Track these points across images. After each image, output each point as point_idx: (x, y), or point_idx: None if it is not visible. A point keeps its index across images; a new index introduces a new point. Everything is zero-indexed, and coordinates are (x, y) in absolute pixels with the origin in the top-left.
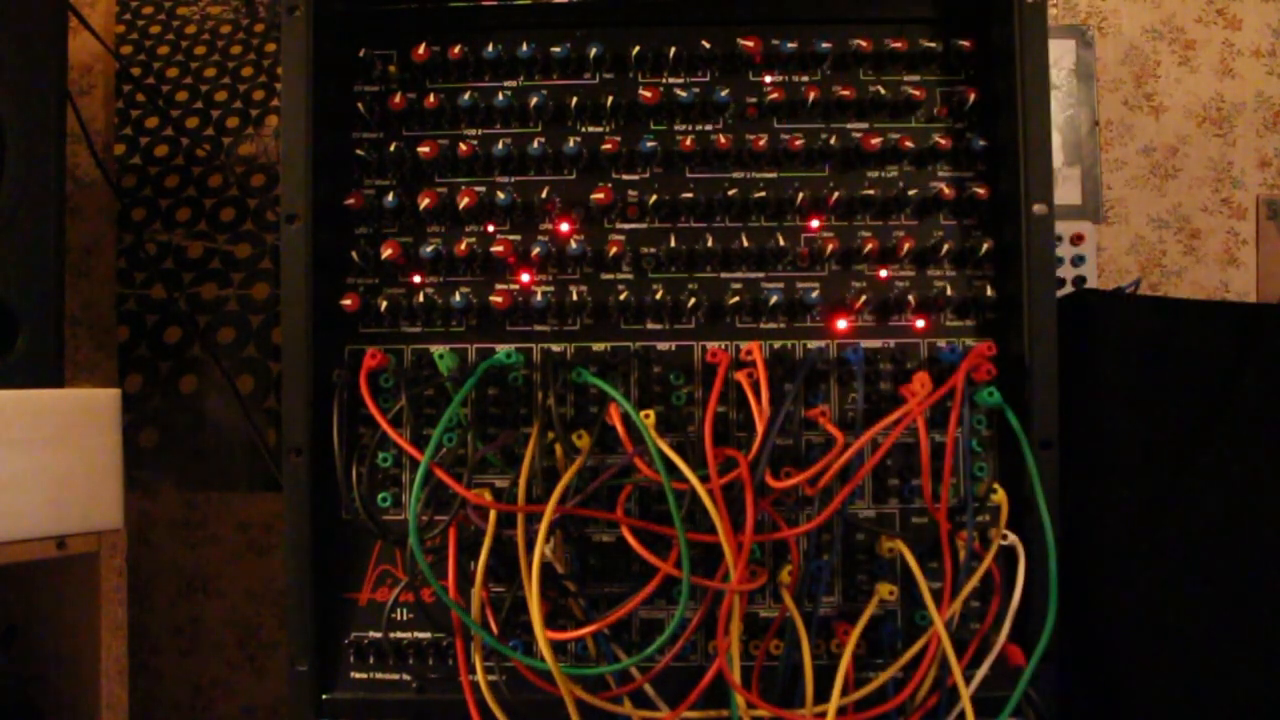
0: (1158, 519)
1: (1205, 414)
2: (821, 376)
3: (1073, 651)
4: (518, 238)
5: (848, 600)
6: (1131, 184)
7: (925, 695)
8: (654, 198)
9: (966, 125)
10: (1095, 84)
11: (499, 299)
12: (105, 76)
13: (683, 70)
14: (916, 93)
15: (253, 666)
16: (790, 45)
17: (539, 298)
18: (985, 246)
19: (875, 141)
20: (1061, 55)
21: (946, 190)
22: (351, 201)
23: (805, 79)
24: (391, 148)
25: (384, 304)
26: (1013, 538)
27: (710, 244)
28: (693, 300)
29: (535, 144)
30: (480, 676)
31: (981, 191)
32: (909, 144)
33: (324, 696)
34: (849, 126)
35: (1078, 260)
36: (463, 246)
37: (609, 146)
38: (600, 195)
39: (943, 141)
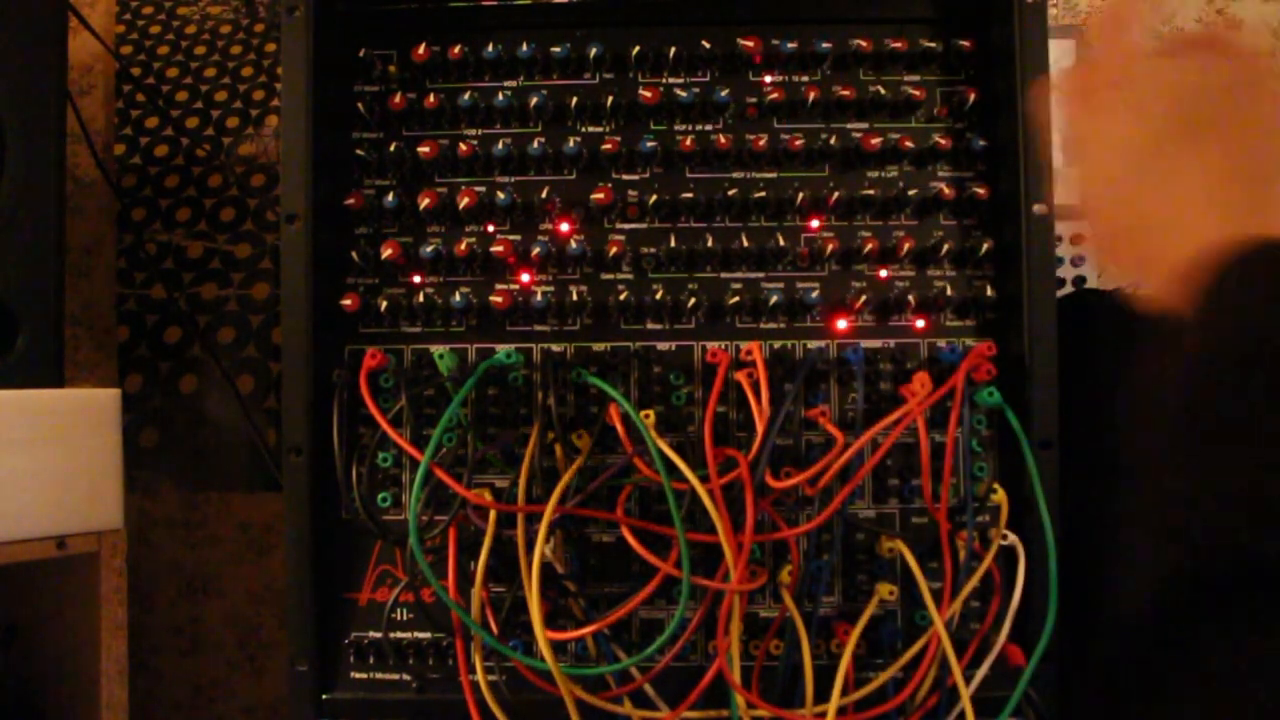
0: None
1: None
2: (821, 376)
3: (1073, 651)
4: (518, 238)
5: (848, 600)
6: None
7: (925, 695)
8: (654, 198)
9: (966, 125)
10: None
11: (499, 299)
12: (105, 76)
13: (683, 70)
14: (916, 93)
15: (253, 666)
16: (790, 45)
17: (539, 298)
18: (985, 246)
19: (875, 141)
20: (1061, 55)
21: (946, 190)
22: (351, 201)
23: (805, 79)
24: (391, 148)
25: (384, 304)
26: (1013, 538)
27: (710, 244)
28: (693, 300)
29: (535, 144)
30: (480, 676)
31: (981, 191)
32: (909, 144)
33: (324, 696)
34: (849, 126)
35: (1078, 260)
36: (463, 246)
37: (609, 146)
38: (600, 195)
39: (943, 141)
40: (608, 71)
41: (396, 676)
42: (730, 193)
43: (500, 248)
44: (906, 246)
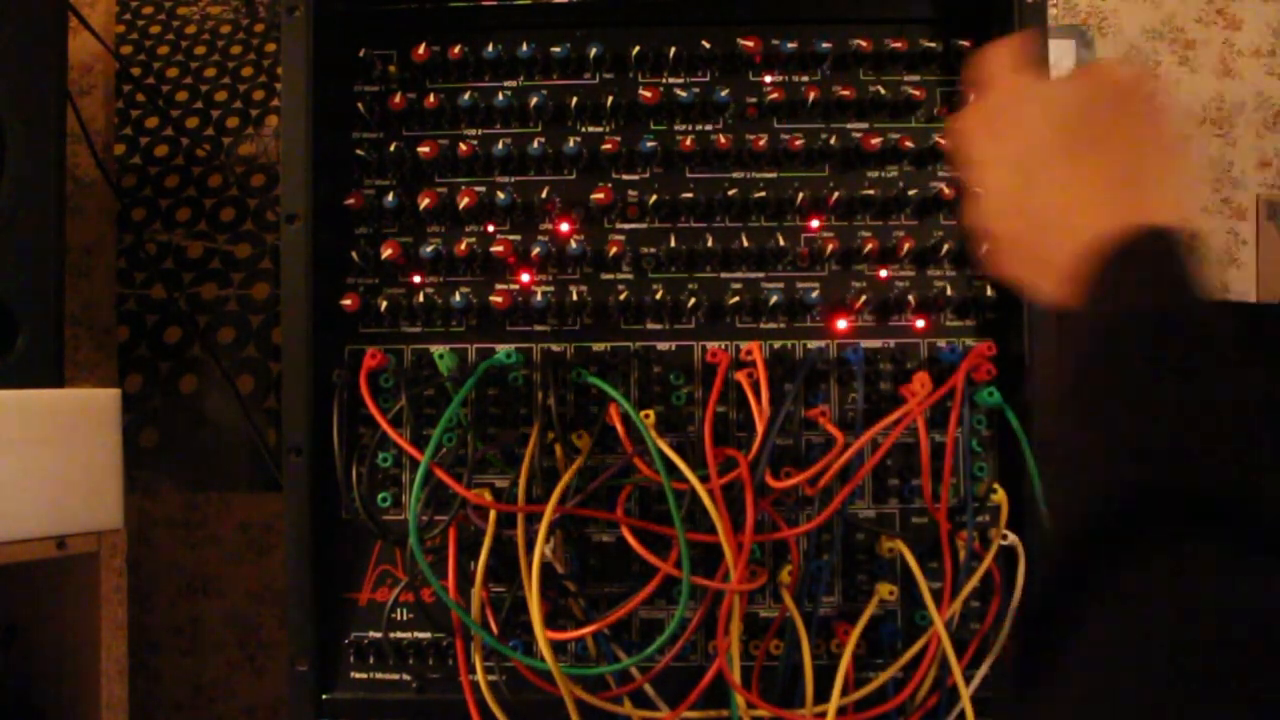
0: None
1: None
2: (821, 376)
3: None
4: (518, 238)
5: (848, 600)
6: None
7: (925, 695)
8: (654, 198)
9: None
10: None
11: (499, 299)
12: (105, 76)
13: (683, 70)
14: (916, 93)
15: (253, 666)
16: (790, 45)
17: (539, 298)
18: (986, 246)
19: (875, 141)
20: (1061, 55)
21: (946, 190)
22: (351, 201)
23: (805, 79)
24: (391, 148)
25: (384, 304)
26: (1013, 538)
27: (710, 244)
28: (693, 300)
29: (535, 144)
30: (480, 676)
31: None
32: (909, 144)
33: (324, 696)
34: (849, 126)
35: None
36: (463, 246)
37: (609, 146)
38: (600, 195)
39: (943, 141)
40: (608, 71)
41: (396, 676)
42: (730, 193)
43: (500, 248)
44: (906, 246)
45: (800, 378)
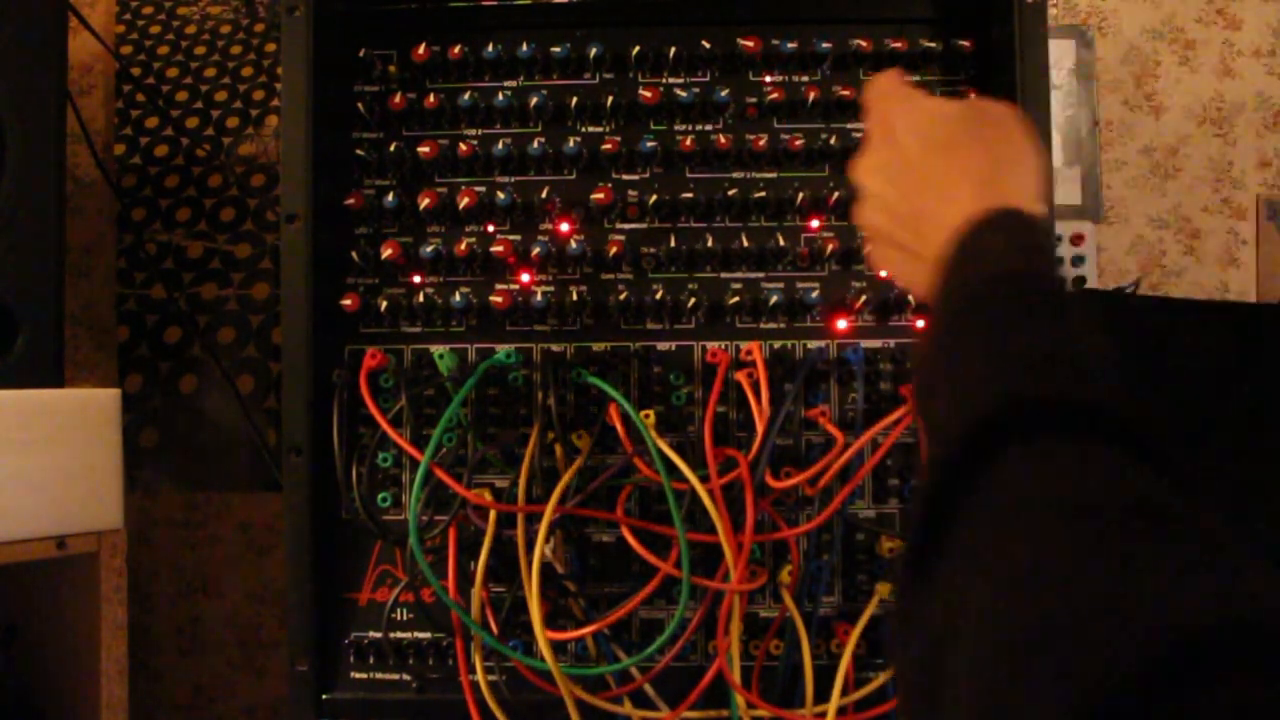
0: None
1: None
2: (821, 376)
3: None
4: (518, 238)
5: (848, 600)
6: (1131, 184)
7: None
8: (654, 198)
9: None
10: (1095, 84)
11: (499, 299)
12: (105, 76)
13: (683, 70)
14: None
15: (253, 666)
16: (790, 45)
17: (539, 298)
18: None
19: None
20: (1061, 55)
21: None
22: (351, 201)
23: (805, 79)
24: (391, 148)
25: (384, 304)
26: None
27: (710, 244)
28: (693, 300)
29: (535, 144)
30: (480, 676)
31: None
32: None
33: (324, 696)
34: (849, 126)
35: (1078, 260)
36: (463, 246)
37: (609, 146)
38: (600, 195)
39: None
40: (608, 71)
41: (396, 676)
42: (730, 193)
43: (500, 248)
44: None
45: (800, 378)
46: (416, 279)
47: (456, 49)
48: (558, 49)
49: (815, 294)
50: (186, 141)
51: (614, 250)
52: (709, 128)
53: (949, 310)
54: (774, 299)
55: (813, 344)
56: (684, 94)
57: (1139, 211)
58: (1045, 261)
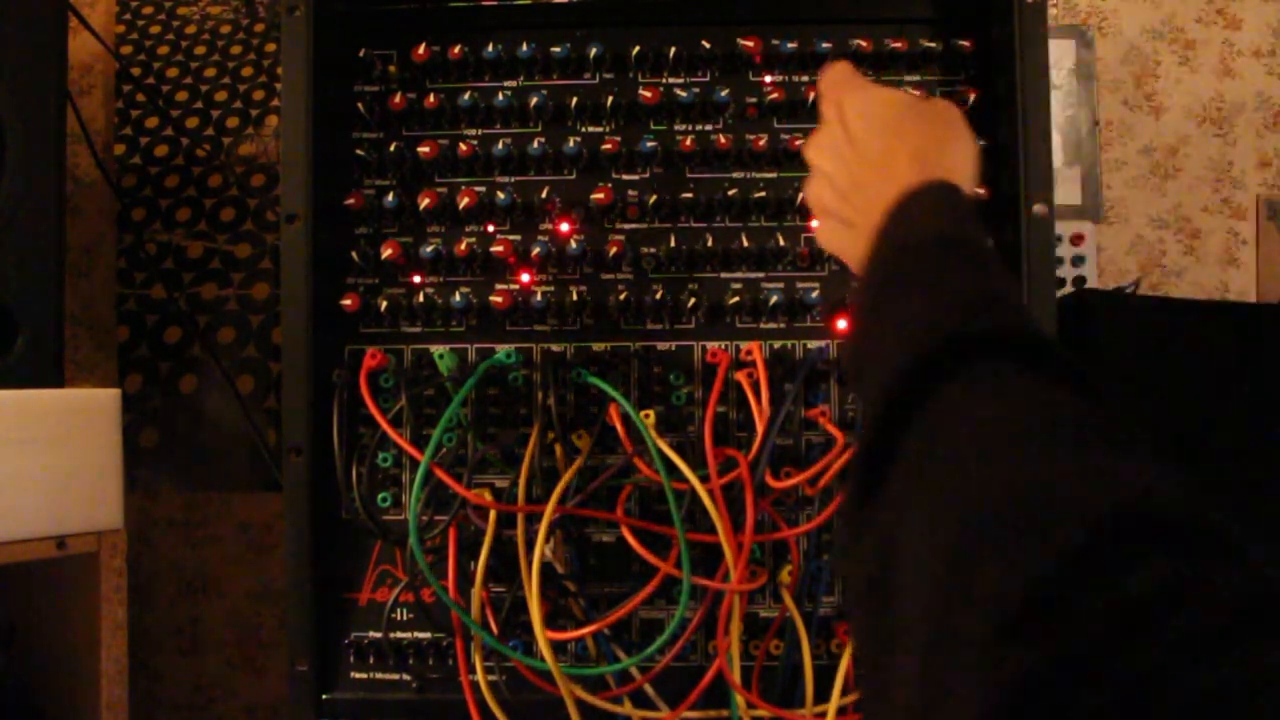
0: None
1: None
2: (821, 376)
3: None
4: (518, 238)
5: (848, 600)
6: (1131, 184)
7: None
8: (654, 198)
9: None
10: (1095, 84)
11: (499, 299)
12: (105, 76)
13: (683, 70)
14: (916, 93)
15: (253, 666)
16: (790, 45)
17: (539, 298)
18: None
19: None
20: (1061, 55)
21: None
22: (351, 201)
23: (805, 79)
24: (391, 148)
25: (384, 304)
26: None
27: (710, 244)
28: (693, 300)
29: (535, 144)
30: (480, 676)
31: (981, 191)
32: None
33: (324, 696)
34: None
35: (1078, 260)
36: (463, 246)
37: (609, 146)
38: (600, 195)
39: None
40: (608, 71)
41: (396, 676)
42: (730, 193)
43: (500, 248)
44: None
45: (800, 378)
46: (416, 279)
47: (456, 49)
48: (558, 49)
49: (815, 294)
50: (186, 141)
51: (614, 250)
52: (709, 128)
53: (886, 266)
54: (774, 299)
55: (813, 344)
56: (684, 94)
57: (1139, 211)
58: (973, 226)
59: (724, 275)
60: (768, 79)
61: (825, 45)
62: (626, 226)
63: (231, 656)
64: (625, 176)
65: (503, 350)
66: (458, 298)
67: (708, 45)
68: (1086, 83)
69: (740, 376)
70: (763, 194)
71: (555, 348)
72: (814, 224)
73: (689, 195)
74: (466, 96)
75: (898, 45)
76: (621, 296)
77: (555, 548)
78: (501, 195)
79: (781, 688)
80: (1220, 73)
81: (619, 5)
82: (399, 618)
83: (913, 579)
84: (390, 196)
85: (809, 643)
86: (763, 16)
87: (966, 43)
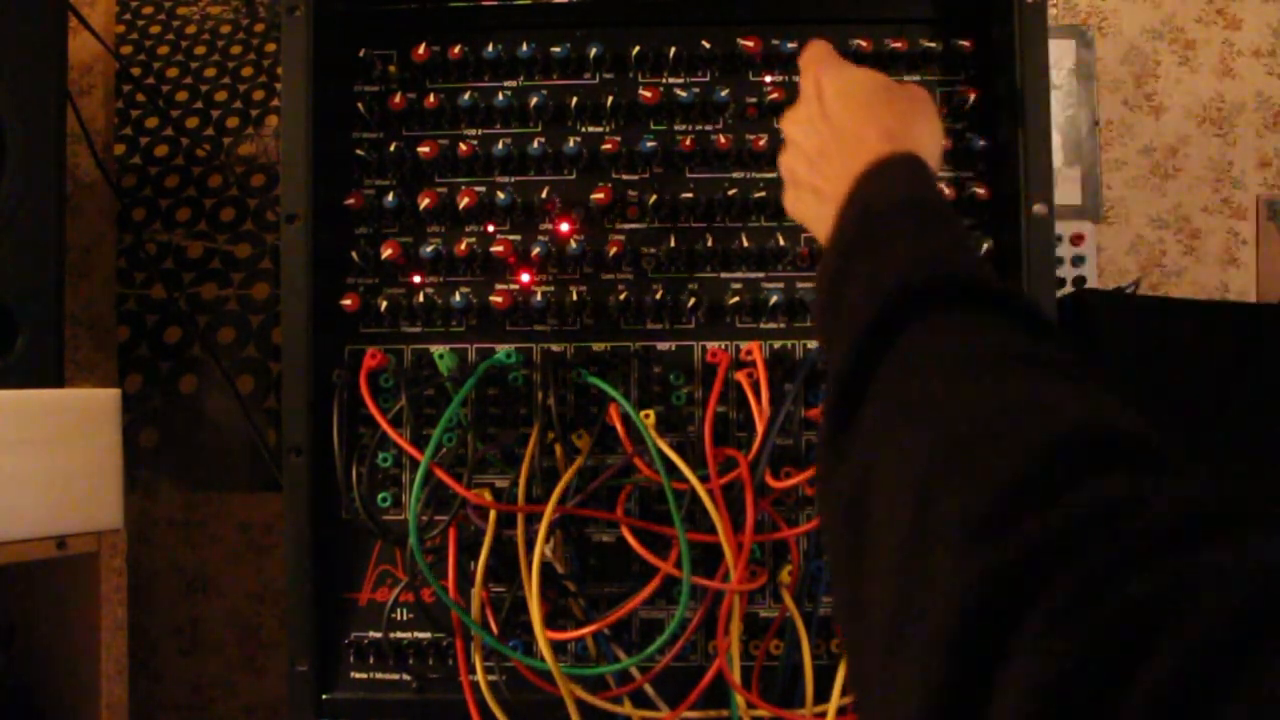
0: None
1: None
2: (822, 376)
3: None
4: (518, 238)
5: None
6: (1131, 184)
7: None
8: (654, 198)
9: (966, 125)
10: (1095, 84)
11: (499, 299)
12: (105, 76)
13: (683, 70)
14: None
15: (253, 666)
16: (790, 45)
17: (539, 298)
18: (985, 246)
19: None
20: (1061, 55)
21: (947, 191)
22: (351, 201)
23: None
24: (391, 148)
25: (384, 304)
26: None
27: (710, 244)
28: (693, 300)
29: (535, 144)
30: (480, 676)
31: (981, 191)
32: None
33: (324, 696)
34: None
35: (1078, 260)
36: (463, 246)
37: (609, 146)
38: (600, 195)
39: (943, 142)
40: (608, 71)
41: (396, 676)
42: (730, 193)
43: (500, 248)
44: None
45: (800, 378)
46: (416, 279)
47: (456, 49)
48: (558, 49)
49: None
50: (186, 141)
51: (614, 250)
52: (709, 128)
53: (856, 225)
54: (774, 299)
55: (813, 344)
56: (684, 94)
57: (1139, 211)
58: (937, 193)
59: (724, 275)
60: (768, 79)
61: None
62: (626, 226)
63: (231, 656)
64: (625, 176)
65: (503, 350)
66: (458, 298)
67: (708, 45)
68: (1086, 83)
69: (740, 376)
70: (763, 194)
71: (555, 348)
72: (785, 194)
73: (689, 195)
74: (466, 96)
75: (898, 45)
76: (621, 296)
77: (555, 548)
78: (501, 195)
79: (781, 688)
80: (1220, 73)
81: (619, 5)
82: (399, 618)
83: (887, 498)
84: (390, 196)
85: (809, 643)
86: (763, 16)
87: (966, 43)
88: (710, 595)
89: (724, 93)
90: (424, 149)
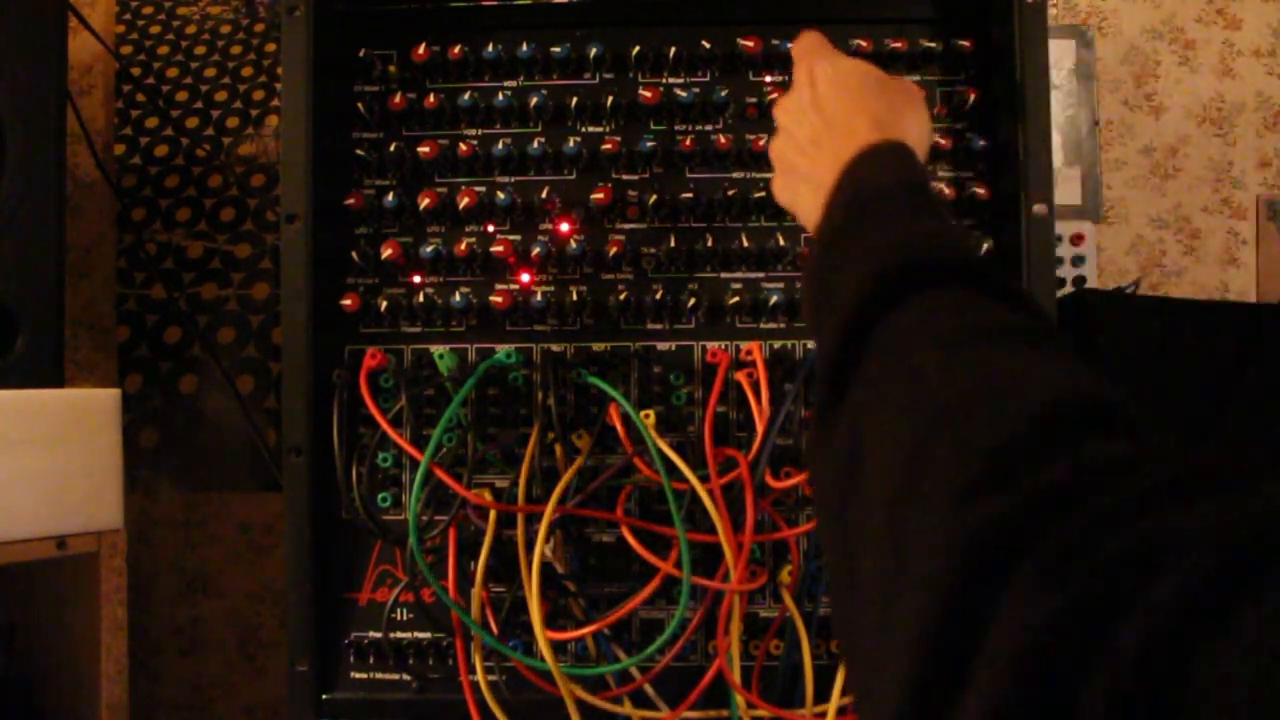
0: None
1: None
2: None
3: None
4: (518, 238)
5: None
6: (1131, 184)
7: None
8: (654, 198)
9: (966, 125)
10: (1095, 84)
11: (499, 299)
12: (105, 76)
13: (683, 70)
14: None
15: (253, 666)
16: (790, 45)
17: (539, 298)
18: (985, 246)
19: None
20: (1061, 55)
21: (946, 190)
22: (351, 201)
23: None
24: (391, 148)
25: (384, 304)
26: None
27: (710, 244)
28: (693, 300)
29: (535, 144)
30: (480, 676)
31: (981, 191)
32: None
33: (324, 696)
34: None
35: (1078, 260)
36: (463, 246)
37: (609, 146)
38: (600, 195)
39: (943, 141)
40: (608, 71)
41: (396, 676)
42: (730, 193)
43: (500, 248)
44: None
45: (800, 378)
46: (416, 279)
47: (456, 49)
48: (558, 49)
49: None
50: (186, 141)
51: (614, 250)
52: (709, 128)
53: (846, 209)
54: (774, 299)
55: (813, 344)
56: (684, 94)
57: (1139, 211)
58: (926, 179)
59: (724, 275)
60: (768, 79)
61: None
62: (626, 226)
63: (231, 656)
64: (625, 176)
65: (503, 350)
66: (458, 298)
67: (708, 45)
68: (1086, 83)
69: (740, 376)
70: (762, 194)
71: (555, 348)
72: (773, 180)
73: (689, 195)
74: (466, 96)
75: (898, 45)
76: (621, 296)
77: (555, 548)
78: (501, 195)
79: (781, 688)
80: (1220, 73)
81: (619, 5)
82: (399, 618)
83: (878, 463)
84: (390, 196)
85: (809, 643)
86: (763, 16)
87: (966, 43)
88: (710, 595)
89: (724, 93)
90: (424, 149)
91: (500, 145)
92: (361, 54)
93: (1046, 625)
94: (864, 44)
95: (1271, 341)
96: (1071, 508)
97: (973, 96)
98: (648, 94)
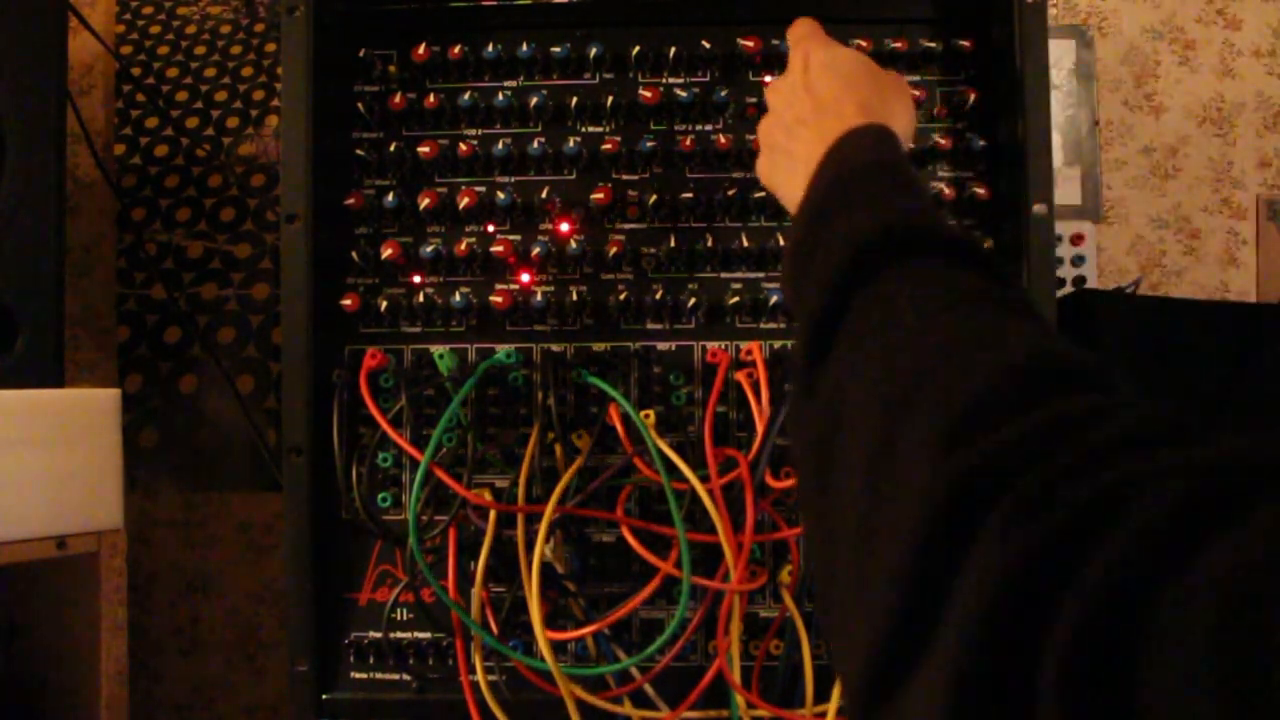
0: None
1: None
2: None
3: None
4: (518, 238)
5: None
6: (1131, 184)
7: None
8: (654, 198)
9: (966, 125)
10: (1095, 84)
11: (499, 299)
12: (105, 76)
13: (683, 70)
14: (917, 93)
15: (253, 666)
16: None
17: (539, 298)
18: (985, 247)
19: None
20: (1061, 55)
21: (947, 190)
22: (351, 201)
23: None
24: (391, 148)
25: (384, 304)
26: None
27: (710, 244)
28: (693, 300)
29: (535, 144)
30: (480, 676)
31: (981, 191)
32: (909, 144)
33: (324, 696)
34: None
35: (1078, 260)
36: (463, 246)
37: (609, 146)
38: (600, 195)
39: (943, 141)
40: (608, 71)
41: (396, 676)
42: (730, 193)
43: (500, 248)
44: None
45: None
46: (416, 279)
47: (456, 49)
48: (558, 49)
49: None
50: (186, 141)
51: (614, 250)
52: (709, 128)
53: (830, 186)
54: (774, 299)
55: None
56: (684, 94)
57: (1139, 211)
58: (907, 161)
59: (724, 275)
60: (768, 79)
61: None
62: (626, 226)
63: (231, 656)
64: (625, 176)
65: (503, 350)
66: (458, 298)
67: (708, 45)
68: (1086, 83)
69: (740, 376)
70: (762, 194)
71: (555, 348)
72: (759, 160)
73: (689, 195)
74: (466, 96)
75: (898, 45)
76: (621, 296)
77: (555, 548)
78: (501, 195)
79: (781, 688)
80: (1220, 73)
81: (619, 5)
82: (399, 618)
83: (858, 419)
84: (390, 196)
85: (809, 643)
86: (763, 16)
87: (966, 43)
88: (710, 595)
89: (724, 93)
90: (424, 149)
91: (500, 145)
92: (361, 54)
93: (1017, 562)
94: (864, 44)
95: (1271, 341)
96: (1044, 457)
97: (973, 96)
98: (648, 94)
